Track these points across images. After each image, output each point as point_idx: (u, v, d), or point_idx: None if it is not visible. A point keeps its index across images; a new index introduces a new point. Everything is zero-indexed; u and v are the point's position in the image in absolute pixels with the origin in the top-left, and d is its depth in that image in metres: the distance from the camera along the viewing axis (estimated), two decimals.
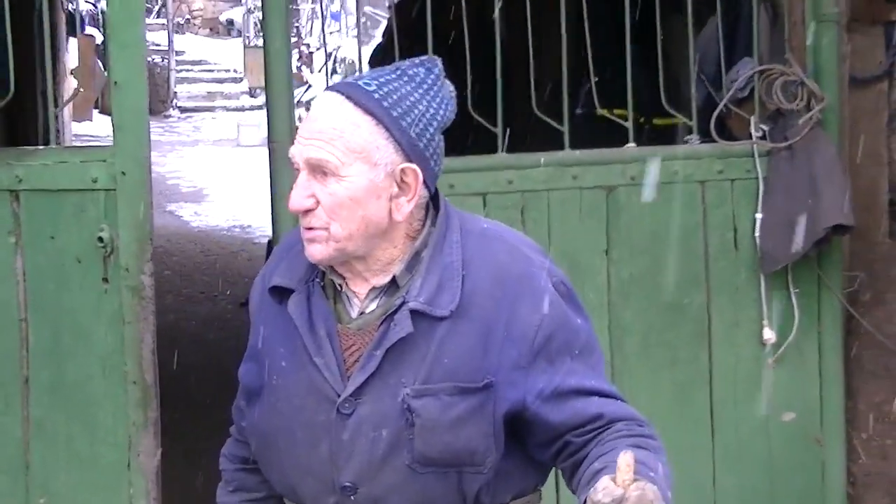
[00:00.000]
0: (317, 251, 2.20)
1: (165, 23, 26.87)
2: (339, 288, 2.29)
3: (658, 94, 4.24)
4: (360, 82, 2.20)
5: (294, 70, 25.16)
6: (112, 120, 3.65)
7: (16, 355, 3.77)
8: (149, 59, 23.06)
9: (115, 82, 3.64)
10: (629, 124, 4.20)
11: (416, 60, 2.27)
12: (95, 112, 22.51)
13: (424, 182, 2.21)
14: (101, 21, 22.44)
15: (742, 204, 4.20)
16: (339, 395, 2.22)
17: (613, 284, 4.14)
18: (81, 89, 17.09)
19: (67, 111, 14.65)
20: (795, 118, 4.15)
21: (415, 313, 2.20)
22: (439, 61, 2.29)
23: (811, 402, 4.31)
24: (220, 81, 27.27)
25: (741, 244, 4.21)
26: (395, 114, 2.17)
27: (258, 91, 26.19)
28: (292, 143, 3.48)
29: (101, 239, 3.63)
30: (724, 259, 4.21)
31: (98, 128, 21.30)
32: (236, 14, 32.02)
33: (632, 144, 4.20)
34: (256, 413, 2.35)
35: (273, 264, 2.39)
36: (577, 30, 4.24)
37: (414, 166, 2.19)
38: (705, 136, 4.26)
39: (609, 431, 2.22)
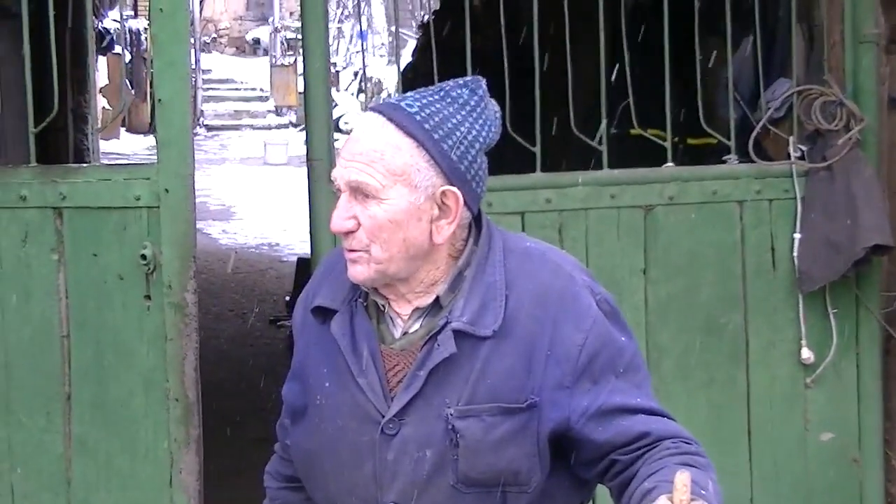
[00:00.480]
0: (358, 272, 2.20)
1: (192, 41, 26.95)
2: (382, 308, 2.29)
3: (690, 114, 4.24)
4: (402, 104, 2.19)
5: None
6: (156, 137, 3.67)
7: (58, 372, 3.80)
8: None
9: (160, 100, 3.66)
10: (667, 144, 4.20)
11: (461, 81, 2.26)
12: (122, 130, 22.63)
13: (466, 204, 2.20)
14: (128, 40, 22.57)
15: (780, 224, 4.19)
16: (382, 416, 2.22)
17: (651, 304, 4.13)
18: (111, 108, 17.20)
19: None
20: (834, 138, 4.14)
21: (458, 333, 2.19)
22: (483, 82, 2.28)
23: (849, 422, 4.29)
24: (247, 100, 27.39)
25: (779, 264, 4.20)
26: (436, 136, 2.16)
27: (284, 110, 26.30)
28: (331, 162, 3.52)
29: (143, 256, 3.65)
30: (762, 279, 4.20)
31: (125, 146, 21.41)
32: (263, 33, 32.15)
33: (670, 164, 4.19)
34: (300, 432, 2.36)
35: (315, 284, 2.40)
36: (612, 50, 4.24)
37: (455, 189, 2.18)
38: (742, 157, 4.25)
39: (657, 449, 2.20)
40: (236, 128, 25.74)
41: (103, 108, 16.93)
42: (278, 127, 25.45)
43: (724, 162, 4.26)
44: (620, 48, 4.19)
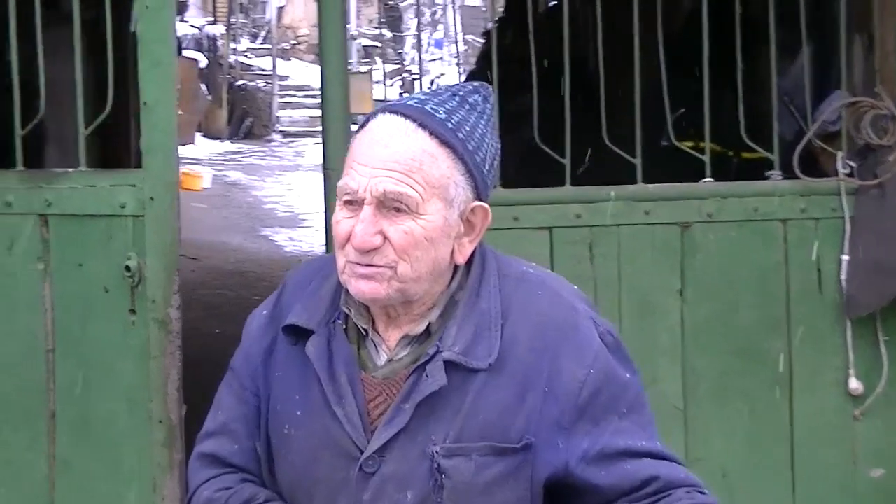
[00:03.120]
0: (372, 289, 2.00)
1: (270, 48, 27.09)
2: (363, 332, 2.10)
3: (747, 127, 4.05)
4: (426, 107, 2.01)
5: (397, 97, 25.25)
6: (141, 143, 3.53)
7: (43, 388, 3.66)
8: (252, 83, 23.39)
9: (145, 102, 3.52)
10: (706, 157, 3.99)
11: (471, 87, 2.10)
12: (198, 135, 22.78)
13: None
14: (204, 44, 22.74)
15: (827, 244, 3.97)
16: (361, 451, 2.04)
17: (687, 327, 3.93)
18: (182, 112, 17.24)
19: None
20: (886, 154, 3.93)
21: (449, 364, 2.02)
22: (490, 88, 2.13)
23: None
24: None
25: (825, 287, 3.98)
26: (469, 147, 2.02)
27: (360, 117, 26.31)
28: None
29: (128, 268, 3.50)
30: (807, 302, 3.98)
31: (200, 151, 21.52)
32: None
33: (709, 179, 3.99)
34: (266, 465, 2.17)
35: (286, 300, 2.20)
36: (667, 60, 4.06)
37: (485, 205, 2.05)
38: (791, 173, 4.04)
39: (669, 500, 2.04)
40: (311, 134, 25.75)
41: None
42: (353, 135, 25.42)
43: (767, 178, 4.04)
44: (677, 58, 4.02)
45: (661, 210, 3.91)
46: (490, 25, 5.75)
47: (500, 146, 2.11)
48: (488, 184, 2.07)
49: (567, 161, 3.89)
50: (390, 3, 29.84)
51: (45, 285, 3.63)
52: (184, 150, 20.12)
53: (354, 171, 1.99)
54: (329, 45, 3.77)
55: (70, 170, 3.62)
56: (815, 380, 4.00)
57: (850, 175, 3.97)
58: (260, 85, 25.77)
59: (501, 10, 9.36)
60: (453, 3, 25.48)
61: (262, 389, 2.18)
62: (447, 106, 2.03)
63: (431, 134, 1.98)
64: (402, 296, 2.01)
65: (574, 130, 3.90)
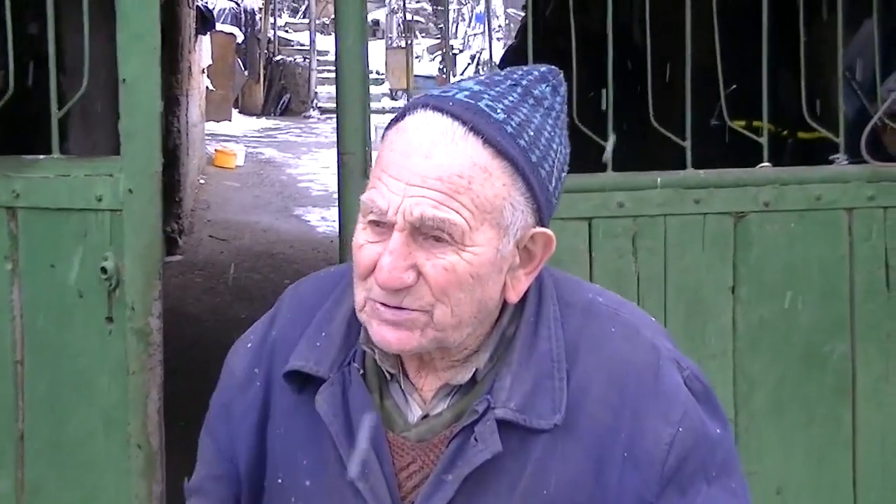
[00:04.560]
0: (399, 339, 1.59)
1: (309, 22, 26.81)
2: (388, 377, 1.68)
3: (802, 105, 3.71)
4: (481, 104, 1.58)
5: (437, 73, 24.92)
6: (119, 126, 3.10)
7: (11, 405, 3.27)
8: (290, 59, 23.29)
9: (124, 80, 3.10)
10: (764, 140, 3.62)
11: (538, 73, 1.66)
12: (235, 112, 22.56)
13: None
14: (242, 19, 22.47)
15: None
16: None
17: (740, 328, 3.59)
18: (214, 88, 16.95)
19: (199, 110, 14.42)
20: None
21: (503, 424, 1.60)
22: (562, 75, 1.68)
23: None
24: None
25: (894, 284, 3.64)
26: (534, 158, 1.58)
27: (399, 93, 26.04)
28: (366, 157, 2.85)
29: (104, 270, 3.09)
30: (873, 301, 3.64)
31: (237, 127, 21.35)
32: (381, 15, 31.96)
33: (766, 164, 3.62)
34: None
35: (282, 332, 1.78)
36: (721, 31, 3.68)
37: (549, 232, 1.63)
38: (855, 156, 3.67)
39: None
40: None
41: (208, 88, 16.70)
42: (392, 111, 25.14)
43: (830, 162, 3.68)
44: (730, 31, 3.65)
45: (712, 199, 3.56)
46: None
47: (569, 152, 1.67)
48: (553, 203, 1.64)
49: (610, 144, 3.52)
50: None
51: (14, 288, 3.24)
52: (219, 127, 19.96)
53: (384, 184, 1.56)
54: (346, 17, 3.39)
55: (41, 157, 3.20)
56: (881, 386, 3.68)
57: None
58: (298, 60, 25.51)
59: None
60: None
61: (244, 454, 1.78)
62: (506, 101, 1.60)
63: (486, 142, 1.55)
64: (437, 345, 1.61)
65: (617, 109, 3.53)
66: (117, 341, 3.17)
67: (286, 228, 12.56)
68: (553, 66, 1.69)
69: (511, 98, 1.60)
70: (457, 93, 1.59)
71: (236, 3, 23.29)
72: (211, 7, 19.14)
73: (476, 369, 1.65)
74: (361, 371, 1.68)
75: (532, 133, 1.58)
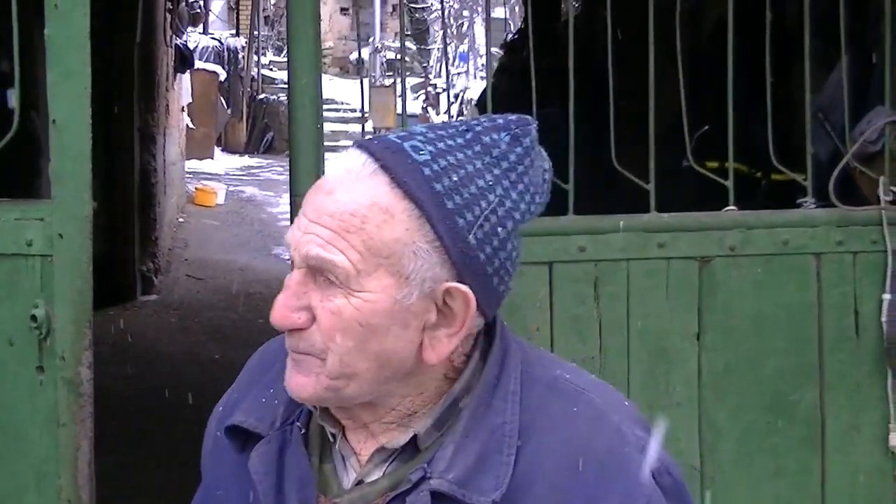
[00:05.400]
0: (300, 385, 1.51)
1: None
2: (331, 438, 1.59)
3: (778, 146, 3.68)
4: (406, 144, 1.49)
5: (420, 111, 24.88)
6: (49, 169, 3.02)
7: None
8: (274, 97, 23.18)
9: (54, 120, 3.02)
10: (730, 183, 3.57)
11: (501, 122, 1.55)
12: (218, 150, 22.52)
13: (479, 308, 1.51)
14: (226, 57, 22.46)
15: (866, 282, 3.59)
16: None
17: (705, 376, 3.53)
18: (194, 126, 16.90)
19: (178, 148, 14.36)
20: None
21: (438, 497, 1.49)
22: (534, 127, 1.56)
23: None
24: (345, 121, 27.22)
25: (864, 331, 3.59)
26: (450, 204, 1.48)
27: (383, 131, 26.06)
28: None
29: (34, 318, 3.00)
30: (843, 348, 3.60)
31: (219, 165, 21.28)
32: (366, 53, 32.06)
33: (732, 207, 3.56)
34: None
35: (237, 392, 1.70)
36: (693, 73, 3.65)
37: (465, 288, 1.50)
38: (828, 199, 3.62)
39: None
40: (333, 149, 25.36)
41: (188, 126, 16.65)
42: None
43: (798, 205, 3.62)
44: (699, 71, 3.61)
45: (677, 243, 3.51)
46: (509, 37, 5.37)
47: (534, 203, 1.55)
48: (482, 258, 1.51)
49: (570, 187, 3.45)
50: (416, 15, 29.56)
51: None
52: (201, 165, 19.89)
53: (297, 220, 1.52)
54: (299, 54, 3.31)
55: None
56: (851, 436, 3.64)
57: (894, 202, 3.61)
58: (282, 98, 25.50)
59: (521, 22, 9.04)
60: (481, 13, 25.19)
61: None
62: (441, 144, 1.51)
63: (393, 181, 1.47)
64: (336, 397, 1.52)
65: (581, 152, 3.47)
66: (48, 392, 3.08)
67: (264, 267, 12.50)
68: (525, 116, 1.58)
69: (450, 142, 1.51)
70: (393, 133, 1.52)
71: (219, 41, 23.30)
72: (194, 45, 19.13)
73: (416, 435, 1.54)
74: (303, 430, 1.59)
75: (457, 179, 1.48)
